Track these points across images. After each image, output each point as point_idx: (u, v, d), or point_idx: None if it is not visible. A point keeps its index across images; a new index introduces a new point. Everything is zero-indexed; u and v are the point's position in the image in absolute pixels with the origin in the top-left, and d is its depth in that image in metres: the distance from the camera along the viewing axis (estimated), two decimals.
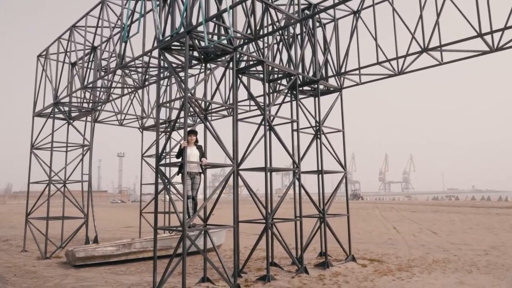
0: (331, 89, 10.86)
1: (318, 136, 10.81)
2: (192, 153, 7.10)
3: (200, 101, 7.77)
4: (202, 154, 7.21)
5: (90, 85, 10.69)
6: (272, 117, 9.11)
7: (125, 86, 10.79)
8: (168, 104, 10.27)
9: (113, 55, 10.01)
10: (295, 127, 10.37)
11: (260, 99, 10.41)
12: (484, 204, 46.02)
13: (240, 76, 9.12)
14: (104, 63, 11.52)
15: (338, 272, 8.87)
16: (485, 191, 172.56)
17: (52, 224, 16.72)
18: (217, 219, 27.45)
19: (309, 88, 11.04)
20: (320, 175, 10.00)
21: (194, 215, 6.80)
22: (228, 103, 10.62)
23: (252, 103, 12.18)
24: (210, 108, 8.39)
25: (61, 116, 13.05)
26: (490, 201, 53.58)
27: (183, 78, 6.89)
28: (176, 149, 10.42)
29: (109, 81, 10.63)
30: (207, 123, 7.68)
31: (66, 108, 13.25)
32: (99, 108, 13.38)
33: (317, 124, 10.22)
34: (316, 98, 11.23)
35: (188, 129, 7.05)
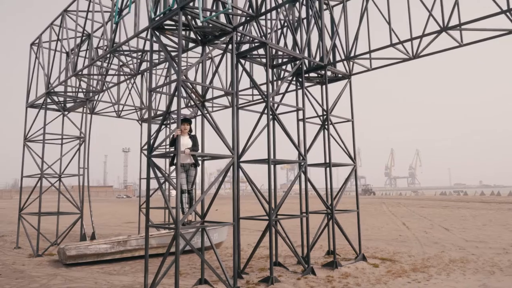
0: (339, 75, 10.10)
1: (326, 126, 10.08)
2: (184, 143, 6.42)
3: (196, 86, 7.05)
4: (194, 145, 6.56)
5: (81, 72, 10.02)
6: (275, 105, 8.39)
7: (118, 73, 10.10)
8: (162, 90, 9.50)
9: (106, 41, 9.33)
10: (300, 116, 9.66)
11: (263, 88, 9.70)
12: (494, 199, 45.00)
13: (241, 61, 8.41)
14: (100, 51, 10.91)
15: (348, 273, 8.17)
16: (493, 186, 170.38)
17: (49, 220, 16.25)
18: (220, 215, 26.90)
19: (316, 75, 10.28)
20: (328, 168, 9.27)
21: (189, 210, 6.13)
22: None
23: (256, 92, 11.47)
24: (208, 95, 7.67)
25: (54, 107, 12.42)
26: (500, 196, 52.48)
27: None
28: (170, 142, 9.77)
29: (102, 68, 9.97)
30: (205, 111, 6.98)
31: (61, 99, 12.63)
32: (94, 98, 12.74)
33: (325, 113, 9.48)
34: (323, 86, 10.50)
35: (182, 117, 6.37)
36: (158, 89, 7.15)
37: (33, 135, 12.21)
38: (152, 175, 6.42)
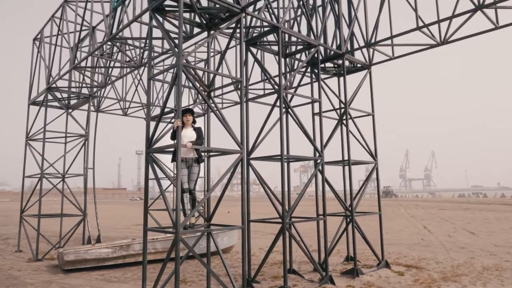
0: (359, 65, 9.27)
1: (343, 120, 9.26)
2: (186, 136, 5.69)
3: (200, 73, 6.32)
4: (198, 137, 5.82)
5: (80, 65, 9.41)
6: (289, 96, 7.63)
7: (121, 65, 9.47)
8: (164, 79, 8.79)
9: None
10: (316, 109, 8.88)
11: (275, 79, 8.91)
12: None
13: (251, 49, 7.68)
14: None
15: (371, 283, 7.32)
16: None
17: (56, 222, 15.72)
18: (232, 217, 26.17)
19: (332, 66, 9.48)
20: (347, 166, 8.44)
21: (192, 212, 5.39)
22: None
23: (267, 86, 10.71)
24: (216, 87, 6.95)
25: (56, 104, 11.87)
26: None
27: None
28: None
29: (103, 59, 9.36)
30: (211, 102, 6.25)
31: (65, 95, 12.10)
32: (98, 94, 12.17)
33: (343, 106, 8.67)
34: (340, 78, 9.69)
35: (184, 107, 5.67)
36: (158, 77, 6.46)
37: (35, 134, 11.68)
38: (153, 175, 5.72)
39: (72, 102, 12.61)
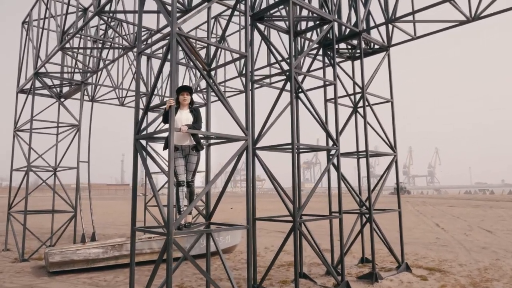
0: (376, 46, 8.35)
1: (358, 108, 8.37)
2: (182, 118, 4.79)
3: (195, 44, 5.42)
4: (196, 121, 4.95)
5: (68, 46, 8.53)
6: (300, 76, 6.74)
7: (112, 45, 8.58)
8: (150, 51, 7.82)
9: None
10: (329, 95, 8.00)
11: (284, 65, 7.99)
12: None
13: (258, 25, 6.78)
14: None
15: None
16: None
17: (48, 218, 14.89)
18: (236, 214, 25.33)
19: (346, 48, 8.57)
20: (365, 158, 7.54)
21: (188, 208, 4.52)
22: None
23: (275, 71, 9.81)
24: (217, 61, 6.05)
25: (46, 92, 11.02)
26: None
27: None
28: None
29: (90, 38, 8.48)
30: (211, 81, 5.35)
31: (56, 82, 11.24)
32: (91, 81, 11.30)
33: (359, 91, 7.76)
34: (355, 61, 8.78)
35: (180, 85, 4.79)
36: (148, 50, 5.57)
37: (23, 124, 10.83)
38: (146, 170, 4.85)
39: (64, 90, 11.75)
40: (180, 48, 4.90)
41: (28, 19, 11.21)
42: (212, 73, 5.84)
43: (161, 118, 5.16)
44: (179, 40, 4.51)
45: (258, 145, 6.44)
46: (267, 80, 10.21)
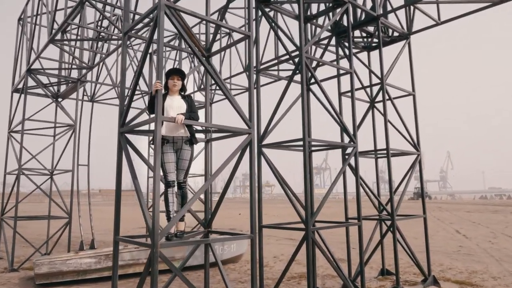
0: (395, 34, 7.54)
1: (374, 104, 7.56)
2: (173, 106, 4.06)
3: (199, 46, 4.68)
4: (191, 110, 4.21)
5: (59, 37, 7.88)
6: (312, 62, 5.96)
7: (107, 36, 7.91)
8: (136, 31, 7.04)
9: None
10: (344, 87, 7.20)
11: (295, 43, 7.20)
12: None
13: (264, 8, 6.04)
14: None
15: None
16: None
17: (45, 224, 14.27)
18: (243, 220, 24.48)
19: (360, 37, 7.78)
20: (386, 158, 6.70)
21: (179, 214, 3.75)
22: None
23: (283, 67, 9.05)
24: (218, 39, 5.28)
25: (40, 91, 10.41)
26: None
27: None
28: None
29: (82, 29, 7.83)
30: (209, 67, 4.59)
31: (52, 80, 10.64)
32: (87, 79, 10.67)
33: (377, 83, 6.95)
34: (371, 52, 7.98)
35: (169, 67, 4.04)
36: (134, 31, 4.85)
37: (17, 125, 10.23)
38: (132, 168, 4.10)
39: (56, 88, 11.14)
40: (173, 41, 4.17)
41: (23, 15, 10.65)
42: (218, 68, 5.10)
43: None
44: (168, 13, 3.78)
45: (264, 142, 5.67)
46: (275, 73, 9.49)
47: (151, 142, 3.92)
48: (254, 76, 4.95)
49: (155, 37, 3.80)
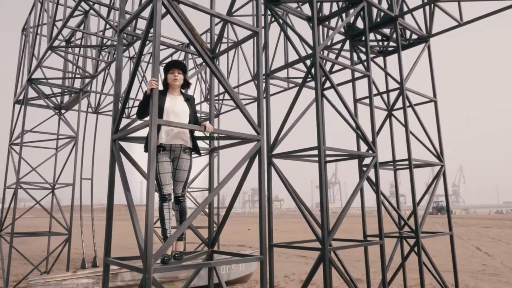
0: (414, 36, 7.05)
1: (392, 112, 7.04)
2: (175, 110, 3.52)
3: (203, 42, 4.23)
4: (194, 112, 3.71)
5: (58, 44, 7.54)
6: (326, 64, 5.48)
7: (109, 41, 7.56)
8: (131, 29, 6.52)
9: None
10: (359, 95, 6.74)
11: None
12: None
13: (273, 8, 5.62)
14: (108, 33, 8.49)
15: None
16: None
17: (44, 240, 13.81)
18: (253, 235, 23.78)
19: (375, 40, 7.30)
20: (408, 169, 6.12)
21: (178, 232, 3.24)
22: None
23: (292, 73, 8.60)
24: (219, 48, 4.84)
25: (42, 103, 10.09)
26: None
27: None
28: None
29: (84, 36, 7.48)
30: (214, 68, 4.14)
31: (52, 91, 10.33)
32: (91, 89, 10.34)
33: (396, 88, 6.43)
34: (387, 57, 7.50)
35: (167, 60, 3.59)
36: (128, 28, 4.42)
37: (17, 137, 9.88)
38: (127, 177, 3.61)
39: (60, 99, 10.82)
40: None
41: (26, 25, 10.44)
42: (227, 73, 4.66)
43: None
44: (167, 3, 3.35)
45: (274, 152, 5.17)
46: (285, 81, 9.04)
47: (144, 149, 3.41)
48: (263, 78, 4.49)
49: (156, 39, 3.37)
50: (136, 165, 3.68)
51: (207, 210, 5.02)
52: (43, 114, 10.99)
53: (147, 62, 11.75)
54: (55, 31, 6.99)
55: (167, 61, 6.57)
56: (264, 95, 5.32)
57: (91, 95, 11.79)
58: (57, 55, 7.92)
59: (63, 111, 11.00)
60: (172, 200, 3.51)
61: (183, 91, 3.74)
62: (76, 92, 9.77)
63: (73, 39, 9.87)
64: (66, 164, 10.33)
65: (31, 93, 9.51)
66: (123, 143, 3.81)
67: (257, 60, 4.01)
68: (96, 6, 8.19)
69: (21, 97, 10.20)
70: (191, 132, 3.65)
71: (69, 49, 8.85)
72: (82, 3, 8.18)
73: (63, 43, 8.88)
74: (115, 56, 9.02)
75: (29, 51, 9.62)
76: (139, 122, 4.05)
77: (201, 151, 3.79)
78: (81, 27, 9.19)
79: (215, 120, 11.39)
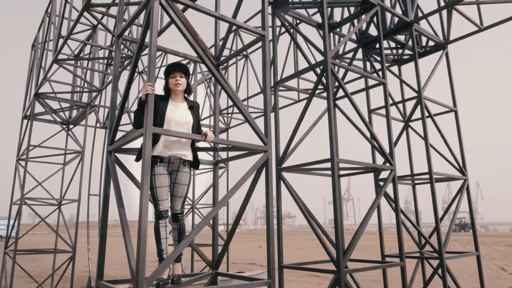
0: (430, 43, 6.71)
1: (409, 124, 6.66)
2: (177, 117, 3.22)
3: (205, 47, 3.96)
4: (198, 121, 3.41)
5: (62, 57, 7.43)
6: (338, 70, 5.17)
7: (112, 55, 7.40)
8: (129, 33, 6.25)
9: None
10: (373, 105, 6.40)
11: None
12: None
13: (282, 14, 5.37)
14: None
15: None
16: None
17: (60, 257, 13.63)
18: (263, 253, 23.12)
19: (389, 48, 6.99)
20: (430, 183, 5.69)
21: (174, 253, 2.90)
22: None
23: (302, 85, 8.31)
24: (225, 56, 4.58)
25: (49, 118, 9.99)
26: None
27: None
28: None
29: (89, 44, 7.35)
30: (218, 74, 3.87)
31: (60, 105, 10.24)
32: (99, 104, 10.21)
33: (414, 96, 6.07)
34: (402, 64, 7.16)
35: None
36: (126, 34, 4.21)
37: (24, 153, 9.76)
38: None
39: (67, 113, 10.73)
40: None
41: (35, 41, 10.45)
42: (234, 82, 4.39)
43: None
44: (164, 3, 3.10)
45: (284, 165, 4.83)
46: (294, 98, 8.76)
47: (136, 159, 3.10)
48: (271, 86, 4.20)
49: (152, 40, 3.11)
50: (133, 178, 3.38)
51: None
52: (51, 129, 10.91)
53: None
54: (60, 43, 6.85)
55: None
56: (273, 105, 5.02)
57: (99, 109, 11.69)
58: (63, 68, 7.78)
59: (71, 126, 10.90)
60: (169, 218, 3.18)
61: (186, 96, 3.44)
62: (83, 107, 9.64)
63: (81, 54, 9.84)
64: (72, 180, 10.17)
65: (39, 108, 9.45)
66: (119, 155, 3.53)
67: (263, 64, 3.72)
68: (105, 19, 8.13)
69: (28, 112, 10.13)
70: (192, 143, 3.35)
71: (76, 63, 8.74)
72: (90, 18, 8.12)
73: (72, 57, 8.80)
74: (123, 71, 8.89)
75: (36, 64, 9.59)
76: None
77: (204, 164, 3.48)
78: (90, 41, 9.14)
79: (224, 134, 11.11)
